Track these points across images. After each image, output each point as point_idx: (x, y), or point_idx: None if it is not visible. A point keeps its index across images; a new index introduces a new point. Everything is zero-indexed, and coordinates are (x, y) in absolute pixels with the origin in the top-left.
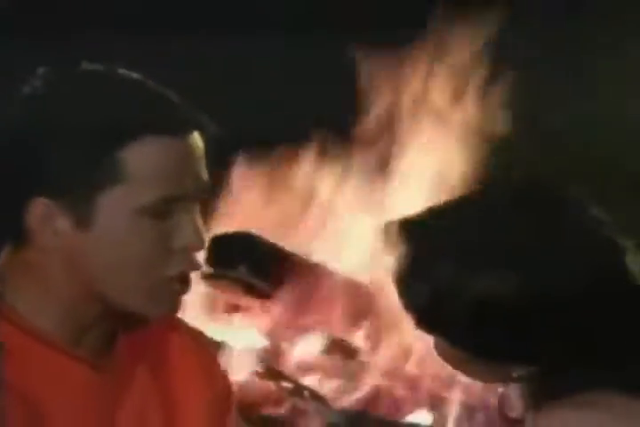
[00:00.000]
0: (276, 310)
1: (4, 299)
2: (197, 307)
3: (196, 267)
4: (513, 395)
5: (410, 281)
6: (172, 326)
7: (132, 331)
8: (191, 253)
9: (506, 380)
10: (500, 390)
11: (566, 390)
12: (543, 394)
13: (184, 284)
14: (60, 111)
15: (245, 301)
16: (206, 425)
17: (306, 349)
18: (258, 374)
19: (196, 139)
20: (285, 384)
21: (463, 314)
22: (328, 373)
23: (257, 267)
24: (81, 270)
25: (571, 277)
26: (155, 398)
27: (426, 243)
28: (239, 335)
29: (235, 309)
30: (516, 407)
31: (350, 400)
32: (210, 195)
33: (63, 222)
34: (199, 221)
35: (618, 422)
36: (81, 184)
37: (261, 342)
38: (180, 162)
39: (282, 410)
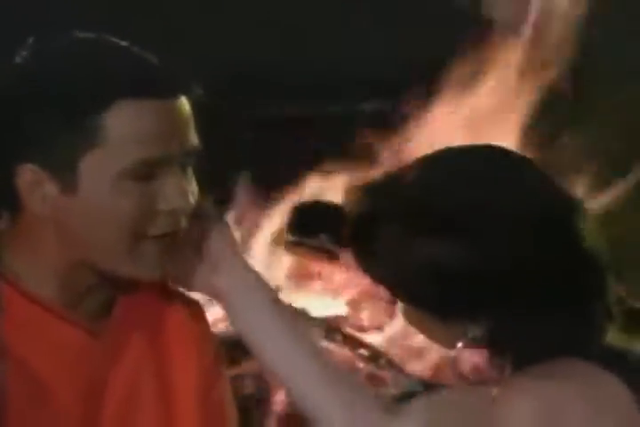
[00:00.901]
0: (357, 277)
1: (3, 264)
2: (280, 275)
3: (178, 227)
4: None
5: (365, 245)
6: (169, 294)
7: (130, 298)
8: (176, 214)
9: (463, 341)
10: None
11: (527, 360)
12: (509, 363)
13: (168, 243)
14: (44, 78)
15: (327, 268)
16: (198, 393)
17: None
18: (336, 341)
19: (181, 103)
20: (363, 352)
21: (417, 276)
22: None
23: (338, 235)
24: (70, 235)
25: (519, 239)
26: (149, 364)
27: (378, 206)
28: (320, 303)
29: (316, 276)
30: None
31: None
32: (197, 158)
33: (51, 188)
34: (185, 184)
35: (577, 391)
36: (63, 149)
37: (342, 309)
38: (161, 125)
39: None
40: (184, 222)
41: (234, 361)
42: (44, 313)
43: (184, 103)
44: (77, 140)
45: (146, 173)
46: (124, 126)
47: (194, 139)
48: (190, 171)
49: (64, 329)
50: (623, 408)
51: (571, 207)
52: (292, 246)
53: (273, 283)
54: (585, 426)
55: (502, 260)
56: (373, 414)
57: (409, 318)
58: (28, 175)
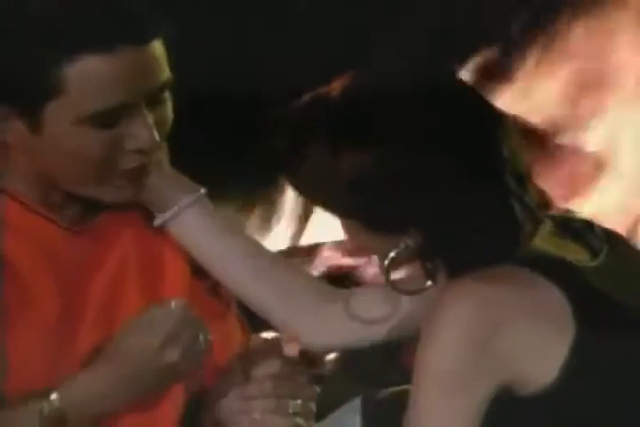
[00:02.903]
0: None
1: None
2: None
3: (147, 161)
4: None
5: (294, 161)
6: None
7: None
8: (143, 152)
9: (396, 252)
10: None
11: (462, 269)
12: (443, 274)
13: (140, 174)
14: (15, 23)
15: None
16: (185, 296)
17: None
18: None
19: (148, 47)
20: None
21: (344, 188)
22: None
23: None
24: (41, 165)
25: (438, 146)
26: (133, 262)
27: (306, 119)
28: None
29: None
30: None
31: None
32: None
33: (19, 124)
34: (150, 124)
35: (517, 292)
36: (27, 95)
37: None
38: (124, 75)
39: None
40: (153, 156)
41: None
42: (26, 213)
43: (151, 46)
44: (40, 87)
45: (109, 119)
46: (86, 79)
47: (162, 77)
48: (165, 105)
49: (46, 227)
50: (559, 314)
51: (494, 118)
52: None
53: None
54: (522, 331)
55: (422, 167)
56: (309, 302)
57: (347, 232)
58: None
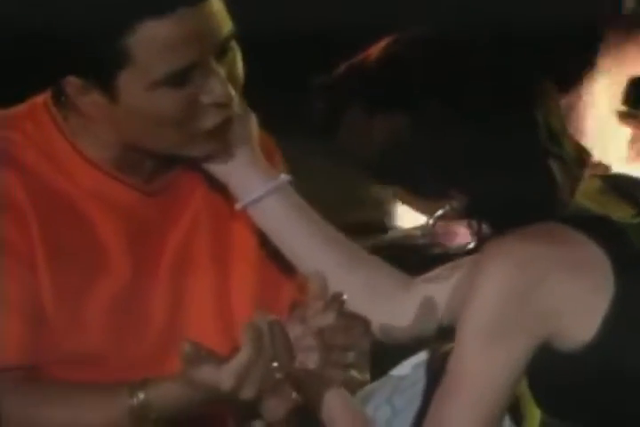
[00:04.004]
0: None
1: (71, 132)
2: (620, 147)
3: (228, 115)
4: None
5: (333, 127)
6: None
7: (189, 167)
8: (221, 106)
9: (443, 211)
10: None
11: (505, 226)
12: (489, 232)
13: (223, 128)
14: (78, 6)
15: None
16: (256, 261)
17: None
18: None
19: (204, 5)
20: None
21: (382, 154)
22: None
23: None
24: (123, 131)
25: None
26: (206, 226)
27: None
28: None
29: None
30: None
31: None
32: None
33: (97, 96)
34: (221, 78)
35: (554, 254)
36: (97, 68)
37: None
38: (187, 35)
39: None
40: (233, 107)
41: None
42: (103, 176)
43: (208, 2)
44: (107, 59)
45: (181, 79)
46: (150, 46)
47: (225, 29)
48: (234, 55)
49: (118, 189)
50: (599, 270)
51: (527, 78)
52: (625, 117)
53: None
54: (562, 286)
55: (455, 130)
56: (387, 292)
57: (400, 198)
58: (72, 86)
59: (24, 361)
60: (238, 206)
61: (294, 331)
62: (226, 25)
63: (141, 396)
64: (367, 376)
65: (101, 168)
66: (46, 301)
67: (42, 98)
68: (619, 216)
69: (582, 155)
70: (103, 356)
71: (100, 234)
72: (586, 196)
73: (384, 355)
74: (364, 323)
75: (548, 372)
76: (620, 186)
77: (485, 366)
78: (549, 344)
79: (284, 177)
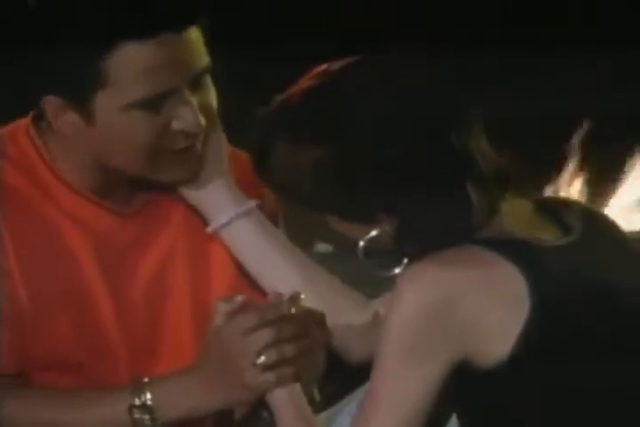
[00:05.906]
0: None
1: (50, 157)
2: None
3: (195, 142)
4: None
5: (264, 159)
6: None
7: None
8: (190, 132)
9: (367, 236)
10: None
11: (429, 248)
12: (410, 254)
13: (191, 154)
14: (59, 23)
15: None
16: (232, 284)
17: None
18: None
19: (187, 33)
20: None
21: (310, 184)
22: None
23: None
24: (97, 153)
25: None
26: (182, 249)
27: (274, 119)
28: None
29: None
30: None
31: None
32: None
33: (74, 116)
34: (193, 106)
35: (470, 270)
36: (75, 88)
37: None
38: (165, 61)
39: None
40: (201, 136)
41: None
42: (80, 200)
43: (190, 32)
44: (86, 81)
45: (155, 103)
46: (127, 67)
47: (202, 60)
48: (207, 84)
49: (95, 212)
50: (514, 290)
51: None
52: None
53: None
54: (476, 306)
55: (385, 159)
56: (347, 312)
57: (330, 223)
58: (50, 105)
59: (17, 368)
60: (209, 230)
61: (250, 321)
62: (204, 57)
63: (147, 395)
64: (321, 366)
65: (79, 192)
66: (25, 311)
67: (23, 122)
68: (544, 238)
69: (502, 172)
70: (79, 364)
71: (79, 259)
72: (515, 218)
73: (363, 368)
74: (319, 315)
75: (468, 389)
76: (548, 208)
77: (403, 386)
78: (469, 362)
79: (252, 202)
